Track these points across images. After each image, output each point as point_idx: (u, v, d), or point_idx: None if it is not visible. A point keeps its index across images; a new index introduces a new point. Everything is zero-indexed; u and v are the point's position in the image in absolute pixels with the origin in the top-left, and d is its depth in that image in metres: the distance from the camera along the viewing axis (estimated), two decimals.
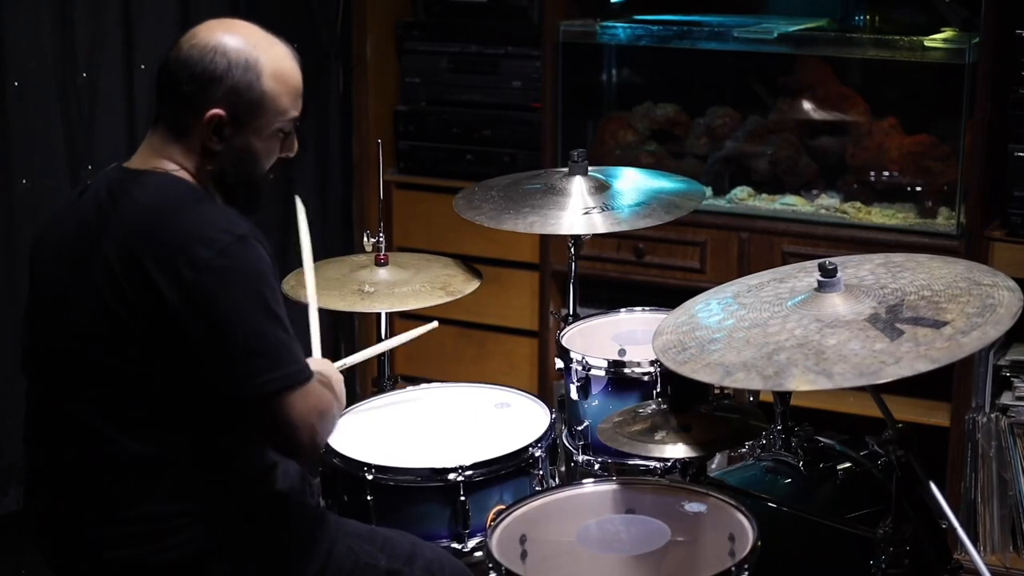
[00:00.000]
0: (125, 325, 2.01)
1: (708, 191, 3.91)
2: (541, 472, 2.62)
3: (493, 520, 2.29)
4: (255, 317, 2.00)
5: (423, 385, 2.96)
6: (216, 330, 1.99)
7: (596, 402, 2.85)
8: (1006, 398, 3.45)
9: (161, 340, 2.01)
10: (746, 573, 2.06)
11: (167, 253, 2.00)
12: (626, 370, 2.83)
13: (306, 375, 2.05)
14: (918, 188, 3.77)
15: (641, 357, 2.82)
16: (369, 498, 2.52)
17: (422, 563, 2.30)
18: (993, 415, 3.43)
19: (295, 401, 2.02)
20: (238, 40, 2.10)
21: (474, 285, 3.01)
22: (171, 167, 2.11)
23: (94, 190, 2.15)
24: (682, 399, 2.41)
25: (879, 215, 3.75)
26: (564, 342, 2.98)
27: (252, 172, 2.15)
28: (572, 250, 3.11)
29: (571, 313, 3.14)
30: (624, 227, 2.93)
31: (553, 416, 2.73)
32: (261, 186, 2.18)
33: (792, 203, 3.87)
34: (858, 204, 3.80)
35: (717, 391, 2.66)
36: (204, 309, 1.98)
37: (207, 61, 2.07)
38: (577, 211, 2.93)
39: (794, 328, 2.09)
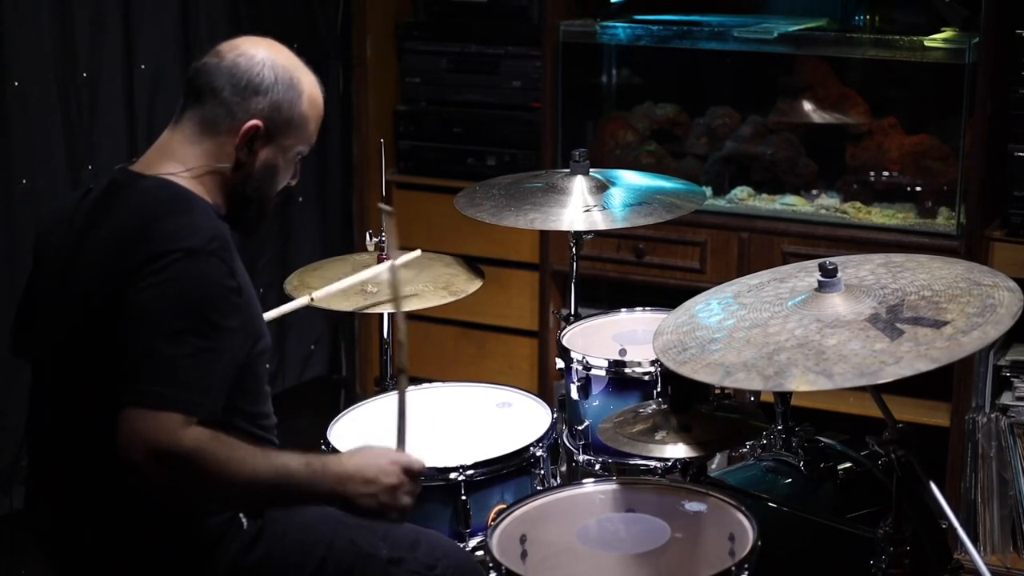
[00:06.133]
0: (101, 330, 2.01)
1: (708, 191, 3.92)
2: (542, 472, 2.63)
3: (494, 519, 2.29)
4: (169, 331, 1.93)
5: (424, 385, 2.96)
6: (128, 333, 1.94)
7: (596, 402, 2.85)
8: (1006, 398, 3.45)
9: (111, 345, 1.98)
10: (746, 573, 2.06)
11: (126, 267, 1.98)
12: (626, 370, 2.83)
13: (180, 406, 1.89)
14: (918, 188, 3.77)
15: (641, 357, 2.83)
16: None
17: (425, 549, 2.29)
18: (993, 415, 3.43)
19: (141, 419, 1.88)
20: (283, 59, 2.15)
21: (477, 284, 3.00)
22: (175, 168, 2.11)
23: (93, 195, 2.15)
24: (682, 399, 2.41)
25: (879, 215, 3.75)
26: (564, 342, 2.97)
27: (268, 190, 2.18)
28: (573, 249, 3.11)
29: (572, 313, 3.14)
30: (624, 224, 2.93)
31: (554, 416, 2.73)
32: (269, 205, 2.21)
33: (792, 203, 3.87)
34: (858, 204, 3.80)
35: (717, 391, 2.66)
36: (129, 313, 1.95)
37: (254, 73, 2.10)
38: (577, 208, 2.94)
39: (794, 328, 2.09)
